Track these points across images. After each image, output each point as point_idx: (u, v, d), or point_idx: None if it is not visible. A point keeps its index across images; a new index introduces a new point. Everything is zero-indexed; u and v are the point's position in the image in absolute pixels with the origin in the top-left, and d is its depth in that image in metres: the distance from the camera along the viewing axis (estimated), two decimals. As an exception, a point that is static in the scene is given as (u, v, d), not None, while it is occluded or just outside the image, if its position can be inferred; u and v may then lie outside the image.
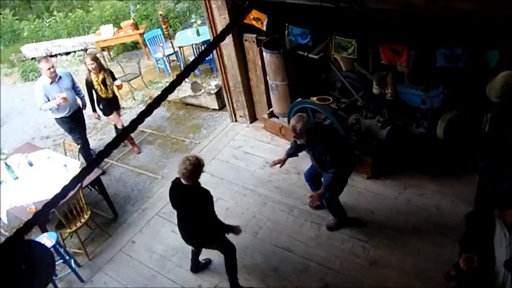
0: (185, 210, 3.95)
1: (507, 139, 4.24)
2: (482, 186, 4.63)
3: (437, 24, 4.09)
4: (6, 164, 5.29)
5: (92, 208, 5.37)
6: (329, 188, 4.36)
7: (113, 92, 6.27)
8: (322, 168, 4.40)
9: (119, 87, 6.36)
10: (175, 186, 3.91)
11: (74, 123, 6.05)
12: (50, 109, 5.75)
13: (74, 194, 4.69)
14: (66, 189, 1.37)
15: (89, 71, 5.97)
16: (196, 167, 3.68)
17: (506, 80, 4.19)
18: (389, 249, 4.50)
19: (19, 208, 4.83)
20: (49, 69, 5.56)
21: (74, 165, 5.36)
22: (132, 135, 6.71)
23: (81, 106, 6.16)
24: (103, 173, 6.00)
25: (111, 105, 6.35)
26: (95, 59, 5.96)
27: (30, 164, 5.45)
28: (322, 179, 4.60)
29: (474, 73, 4.29)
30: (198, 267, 4.62)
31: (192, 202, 3.83)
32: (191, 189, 3.80)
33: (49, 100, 5.68)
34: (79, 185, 4.86)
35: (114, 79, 6.24)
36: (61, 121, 5.99)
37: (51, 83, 5.66)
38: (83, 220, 4.93)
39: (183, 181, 3.79)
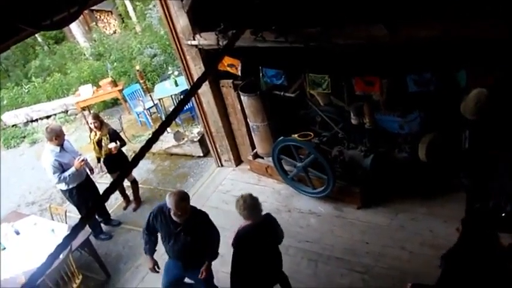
0: None
1: (487, 155, 4.33)
2: (470, 204, 4.67)
3: (403, 52, 4.24)
4: (-8, 235, 5.17)
5: (83, 272, 5.21)
6: None
7: (107, 153, 5.98)
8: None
9: (112, 150, 5.93)
10: None
11: (88, 192, 5.72)
12: (69, 177, 5.36)
13: (64, 259, 4.58)
14: (53, 256, 1.37)
15: (90, 129, 6.04)
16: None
17: (478, 97, 4.32)
18: (389, 278, 4.45)
19: (8, 280, 4.66)
20: (58, 137, 5.36)
21: (62, 229, 5.25)
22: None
23: (87, 171, 5.84)
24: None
25: (112, 163, 6.14)
26: (97, 117, 5.95)
27: (17, 233, 5.31)
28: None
29: (447, 94, 4.42)
30: None
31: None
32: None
33: (63, 169, 5.35)
34: (68, 249, 4.76)
35: (116, 139, 6.04)
36: (76, 191, 5.58)
37: (60, 150, 5.40)
38: (74, 285, 4.78)
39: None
